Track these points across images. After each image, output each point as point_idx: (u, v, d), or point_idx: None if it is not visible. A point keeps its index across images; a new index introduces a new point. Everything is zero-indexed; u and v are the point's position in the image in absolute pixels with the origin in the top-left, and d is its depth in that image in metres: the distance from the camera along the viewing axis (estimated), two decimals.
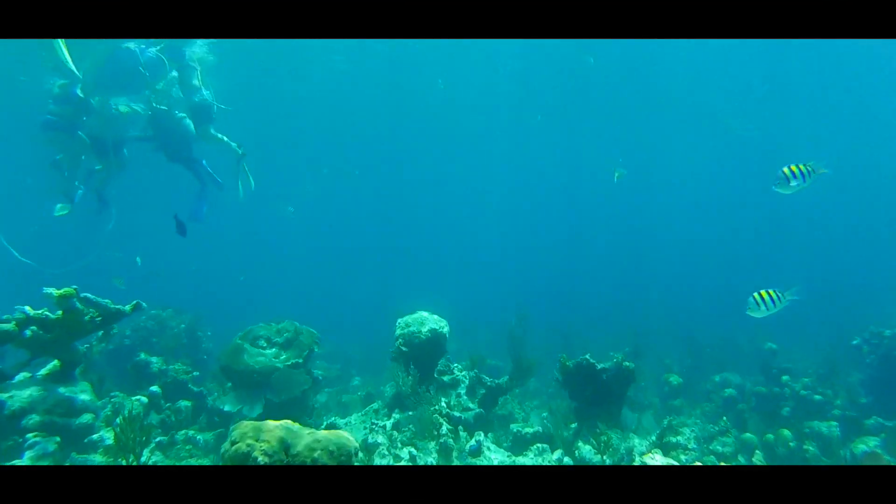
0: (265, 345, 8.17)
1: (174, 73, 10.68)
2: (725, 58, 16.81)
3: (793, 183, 4.44)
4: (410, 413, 6.59)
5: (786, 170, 4.44)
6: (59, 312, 5.56)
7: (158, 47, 10.67)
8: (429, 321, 7.02)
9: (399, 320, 7.20)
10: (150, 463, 5.92)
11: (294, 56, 16.08)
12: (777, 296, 4.63)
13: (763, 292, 4.66)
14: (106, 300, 5.81)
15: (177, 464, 6.18)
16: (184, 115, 10.26)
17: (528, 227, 33.60)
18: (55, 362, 5.75)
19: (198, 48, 12.32)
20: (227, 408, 7.14)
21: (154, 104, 10.18)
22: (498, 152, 27.29)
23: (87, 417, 5.42)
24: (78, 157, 9.41)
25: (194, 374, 8.62)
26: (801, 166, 4.42)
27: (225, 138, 10.51)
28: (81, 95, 9.63)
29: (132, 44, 10.45)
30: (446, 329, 7.11)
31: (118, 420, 5.05)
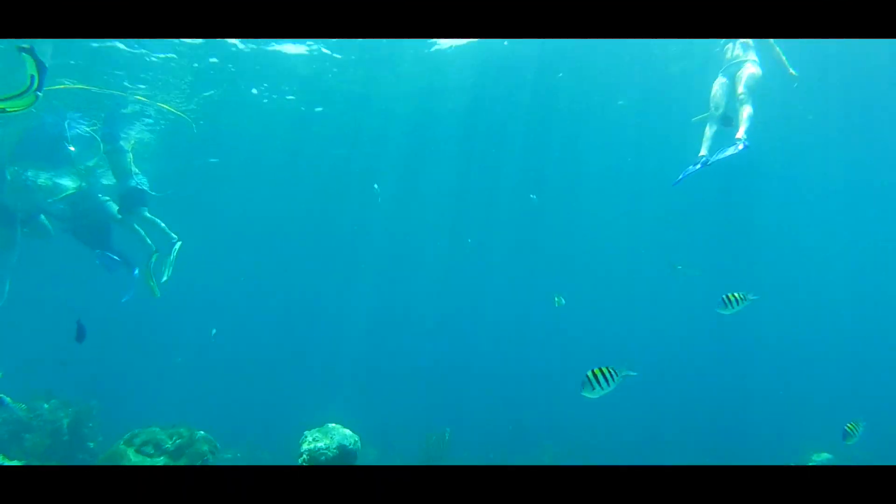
0: (152, 451, 7.33)
1: (105, 155, 10.32)
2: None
3: (729, 308, 5.43)
4: None
5: (724, 297, 5.47)
6: None
7: (91, 127, 10.44)
8: (338, 436, 6.54)
9: (306, 433, 6.68)
10: None
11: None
12: (611, 373, 4.58)
13: (597, 370, 4.60)
14: None
15: None
16: (107, 198, 9.83)
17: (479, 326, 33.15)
18: None
19: (136, 131, 12.16)
20: None
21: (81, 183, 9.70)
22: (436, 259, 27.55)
23: None
24: None
25: None
26: (737, 295, 5.43)
27: (160, 223, 9.97)
28: None
29: (65, 119, 10.18)
30: (357, 445, 6.64)
31: None
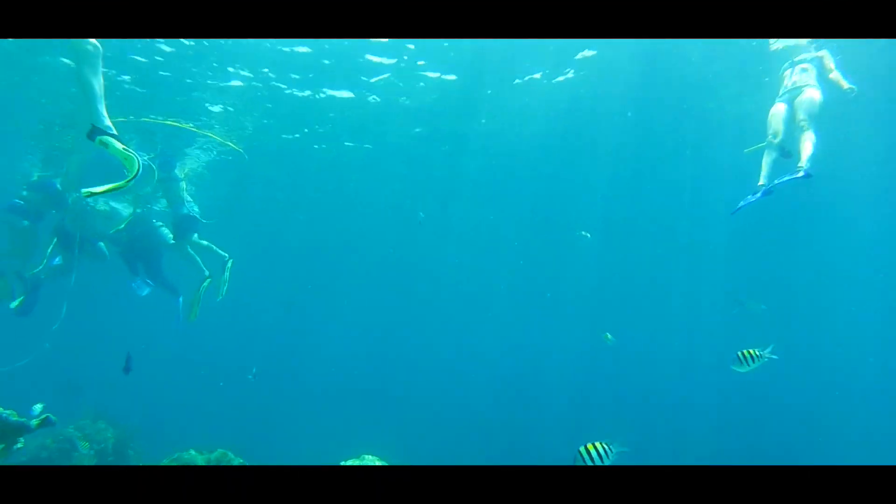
0: None
1: (160, 183, 10.74)
2: None
3: (744, 367, 5.24)
4: None
5: (740, 354, 5.29)
6: None
7: (150, 155, 10.90)
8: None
9: (342, 463, 6.51)
10: None
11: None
12: (605, 449, 4.32)
13: (590, 446, 4.34)
14: (9, 411, 5.17)
15: None
16: (161, 224, 10.18)
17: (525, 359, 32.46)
18: None
19: (190, 162, 12.65)
20: None
21: (135, 209, 10.10)
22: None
23: None
24: (30, 246, 9.11)
25: None
26: (753, 351, 5.22)
27: (212, 245, 10.27)
28: (59, 189, 9.59)
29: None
30: None
31: None
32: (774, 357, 5.19)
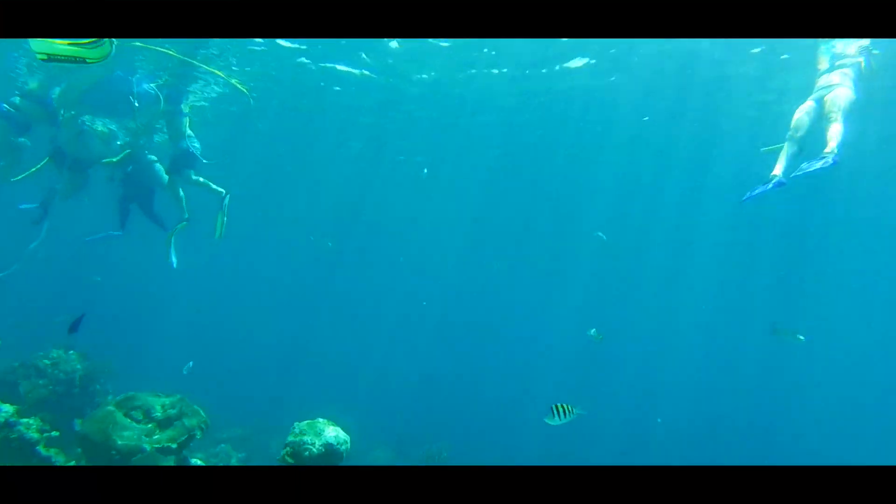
0: (141, 417, 6.89)
1: (164, 115, 10.31)
2: None
3: (556, 420, 5.40)
4: None
5: (553, 407, 5.47)
6: None
7: (158, 83, 10.46)
8: (327, 433, 5.84)
9: (295, 424, 6.04)
10: None
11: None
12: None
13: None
14: None
15: None
16: (155, 158, 9.79)
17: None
18: None
19: (195, 97, 12.22)
20: None
21: (132, 139, 9.72)
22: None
23: None
24: (12, 157, 8.76)
25: (52, 434, 7.19)
26: (566, 406, 5.44)
27: (209, 182, 9.87)
28: (55, 105, 9.21)
29: (134, 74, 10.27)
30: (346, 446, 5.93)
31: None
32: (584, 412, 5.46)
